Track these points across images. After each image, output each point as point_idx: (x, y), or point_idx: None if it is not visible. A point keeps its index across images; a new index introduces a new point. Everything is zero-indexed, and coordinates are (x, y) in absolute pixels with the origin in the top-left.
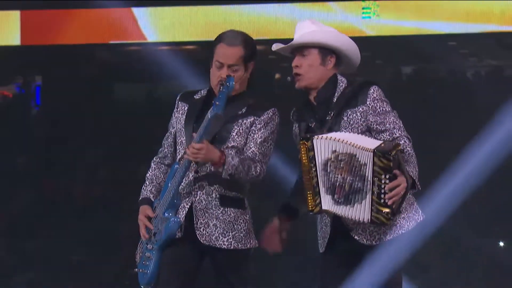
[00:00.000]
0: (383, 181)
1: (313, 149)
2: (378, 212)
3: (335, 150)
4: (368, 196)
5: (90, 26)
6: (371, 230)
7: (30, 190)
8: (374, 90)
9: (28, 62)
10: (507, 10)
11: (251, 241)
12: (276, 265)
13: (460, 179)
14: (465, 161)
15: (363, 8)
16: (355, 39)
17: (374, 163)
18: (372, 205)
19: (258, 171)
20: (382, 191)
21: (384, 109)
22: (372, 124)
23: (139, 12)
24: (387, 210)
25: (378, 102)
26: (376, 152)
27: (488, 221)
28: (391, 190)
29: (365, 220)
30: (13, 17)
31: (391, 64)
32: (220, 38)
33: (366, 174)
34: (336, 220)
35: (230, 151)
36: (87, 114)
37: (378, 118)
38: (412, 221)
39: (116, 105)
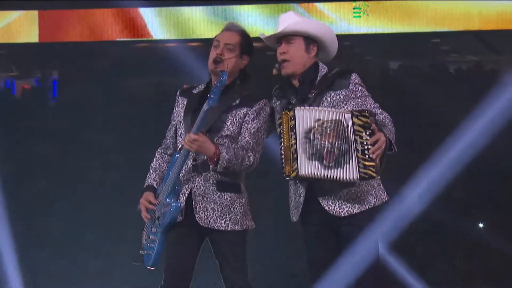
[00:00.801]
0: (364, 138)
1: (294, 119)
2: (365, 168)
3: (319, 119)
4: (354, 155)
5: (101, 25)
6: (340, 203)
7: (47, 174)
8: (355, 77)
9: (45, 58)
10: (485, 11)
11: (248, 223)
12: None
13: (443, 165)
14: (447, 149)
15: (354, 8)
16: (346, 36)
17: (353, 123)
18: (358, 162)
19: (252, 160)
20: (366, 147)
21: (364, 92)
22: (354, 106)
23: (146, 12)
24: (372, 163)
25: (358, 86)
26: (354, 113)
27: (468, 205)
28: (373, 145)
29: (355, 177)
30: (32, 16)
31: (380, 59)
32: (222, 29)
33: (350, 135)
34: (310, 191)
35: (224, 140)
36: (99, 105)
37: (359, 100)
38: (378, 199)
39: (126, 97)
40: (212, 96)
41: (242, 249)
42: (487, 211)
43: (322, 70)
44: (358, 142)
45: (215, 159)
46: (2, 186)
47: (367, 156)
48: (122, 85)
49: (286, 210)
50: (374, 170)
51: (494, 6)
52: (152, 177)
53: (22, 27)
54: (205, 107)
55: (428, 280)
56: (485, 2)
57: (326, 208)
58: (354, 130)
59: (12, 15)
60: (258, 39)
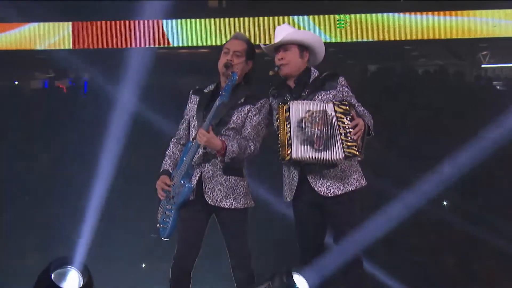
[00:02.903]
0: (346, 123)
1: (289, 111)
2: (348, 148)
3: (309, 110)
4: (338, 138)
5: (126, 34)
6: (327, 185)
7: (80, 157)
8: (342, 79)
9: (77, 62)
10: (447, 23)
11: (248, 202)
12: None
13: (414, 152)
14: (418, 137)
15: (338, 20)
16: (331, 44)
17: (335, 111)
18: (342, 143)
19: (252, 149)
20: (347, 130)
21: (349, 93)
22: None
23: (167, 23)
24: (354, 144)
25: (345, 87)
26: (335, 102)
27: (433, 184)
28: (353, 128)
29: (341, 157)
30: (66, 27)
31: (359, 63)
32: (230, 38)
33: (333, 122)
34: (302, 175)
35: (230, 132)
36: (122, 100)
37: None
38: (359, 183)
39: (146, 94)
40: (223, 93)
41: (244, 224)
42: (450, 189)
43: (314, 73)
44: (341, 127)
45: (223, 152)
46: (44, 169)
47: (349, 138)
48: (143, 84)
49: (280, 191)
50: (356, 149)
51: (455, 20)
52: (168, 163)
53: (57, 36)
54: (217, 102)
55: (399, 250)
56: (447, 18)
57: (316, 189)
58: (337, 117)
59: (52, 27)
60: (257, 46)
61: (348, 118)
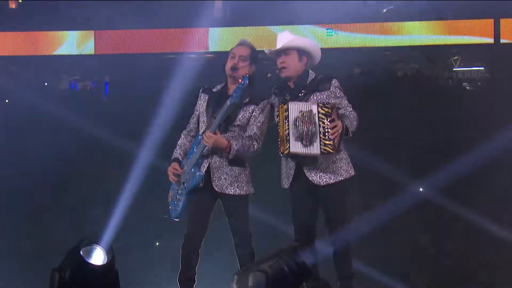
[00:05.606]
0: (326, 123)
1: (287, 110)
2: (325, 145)
3: (301, 110)
4: (318, 136)
5: (140, 40)
6: (320, 175)
7: (101, 150)
8: (335, 81)
9: (99, 65)
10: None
11: (249, 189)
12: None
13: (393, 145)
14: (396, 132)
15: (327, 30)
16: (322, 49)
17: (318, 112)
18: (320, 141)
19: (256, 148)
20: (326, 130)
21: (341, 94)
22: None
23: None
24: (330, 142)
25: (337, 89)
26: (319, 104)
27: (412, 172)
28: (332, 128)
29: (318, 152)
30: (89, 34)
31: (346, 66)
32: (236, 44)
33: (316, 121)
34: (298, 165)
35: (235, 128)
36: (140, 100)
37: (337, 100)
38: (348, 174)
39: (166, 96)
40: (234, 94)
41: (246, 208)
42: (426, 177)
43: (311, 75)
44: (321, 126)
45: (228, 150)
46: (69, 162)
47: (327, 137)
48: (158, 87)
49: (277, 179)
50: (331, 147)
51: (430, 33)
52: (178, 152)
53: (82, 43)
54: (228, 102)
55: (379, 230)
56: (424, 36)
57: (310, 178)
58: (319, 118)
59: (75, 34)
60: (259, 51)
61: (328, 120)
